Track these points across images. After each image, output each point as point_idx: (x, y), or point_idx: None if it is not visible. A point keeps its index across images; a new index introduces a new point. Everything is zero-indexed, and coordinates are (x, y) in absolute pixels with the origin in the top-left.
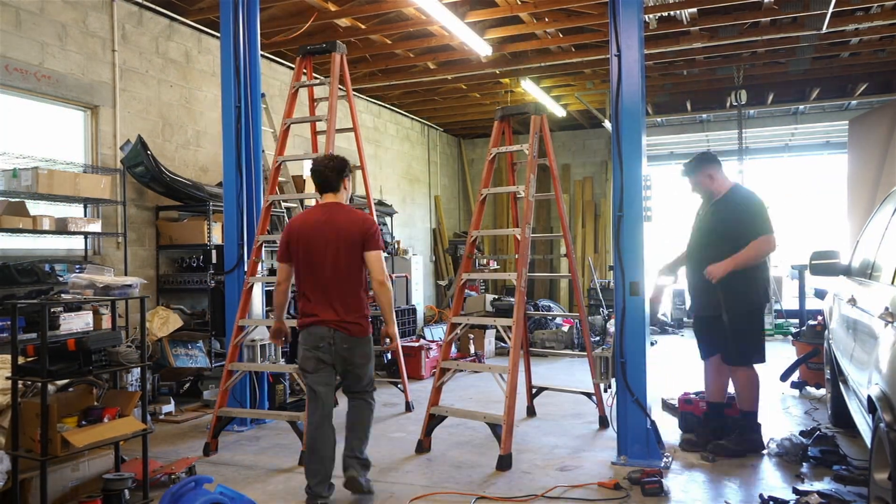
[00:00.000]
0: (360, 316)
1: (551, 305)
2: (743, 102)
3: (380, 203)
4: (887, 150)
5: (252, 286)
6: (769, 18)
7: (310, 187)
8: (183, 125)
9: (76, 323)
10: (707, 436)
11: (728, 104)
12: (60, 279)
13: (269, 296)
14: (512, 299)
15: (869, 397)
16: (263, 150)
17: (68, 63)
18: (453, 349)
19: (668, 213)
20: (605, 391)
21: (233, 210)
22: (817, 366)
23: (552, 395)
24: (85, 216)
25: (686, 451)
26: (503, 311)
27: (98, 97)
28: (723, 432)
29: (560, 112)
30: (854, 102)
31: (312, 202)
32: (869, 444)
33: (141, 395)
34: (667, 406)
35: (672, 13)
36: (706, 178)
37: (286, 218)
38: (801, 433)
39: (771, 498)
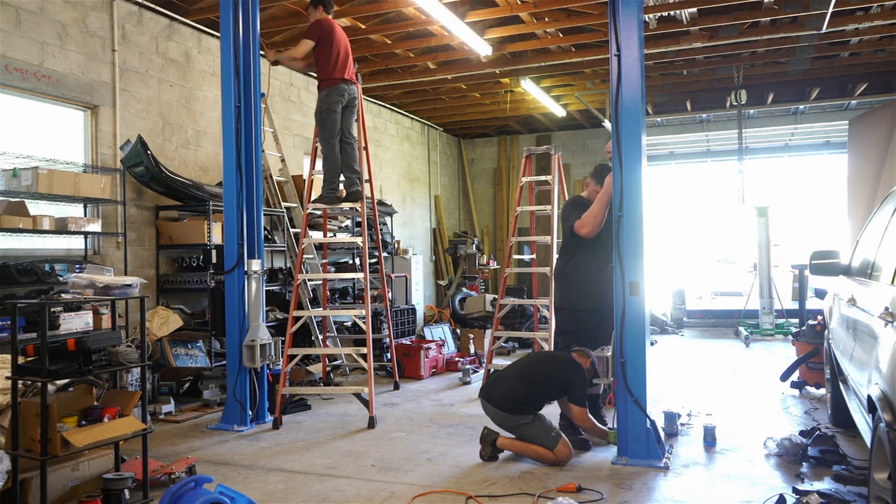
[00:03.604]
0: None
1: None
2: (743, 102)
3: (380, 203)
4: (887, 150)
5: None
6: (769, 18)
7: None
8: (183, 125)
9: (76, 323)
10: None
11: (728, 104)
12: (60, 279)
13: (268, 296)
14: (512, 299)
15: (869, 397)
16: (263, 150)
17: (68, 63)
18: (453, 349)
19: (669, 213)
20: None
21: (233, 210)
22: (817, 366)
23: None
24: (85, 216)
25: None
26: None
27: (98, 97)
28: None
29: (560, 112)
30: (854, 102)
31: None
32: (869, 444)
33: (141, 395)
34: None
35: (672, 13)
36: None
37: (286, 217)
38: (801, 433)
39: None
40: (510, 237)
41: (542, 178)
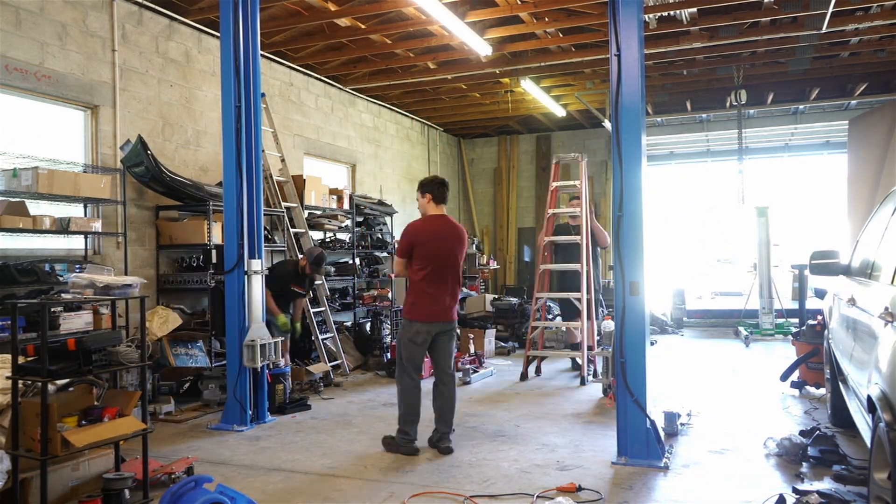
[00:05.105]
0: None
1: (551, 305)
2: (743, 102)
3: (380, 203)
4: (887, 150)
5: None
6: (769, 18)
7: (310, 187)
8: (183, 125)
9: (76, 322)
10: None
11: (728, 104)
12: (60, 279)
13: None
14: (511, 299)
15: (869, 397)
16: (263, 150)
17: (68, 63)
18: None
19: (669, 212)
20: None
21: (233, 210)
22: (817, 366)
23: (553, 395)
24: (85, 216)
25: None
26: (503, 311)
27: (98, 97)
28: None
29: (560, 112)
30: (854, 102)
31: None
32: (869, 444)
33: (141, 395)
34: None
35: (672, 13)
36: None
37: (286, 217)
38: (801, 433)
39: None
40: (544, 237)
41: (571, 182)
